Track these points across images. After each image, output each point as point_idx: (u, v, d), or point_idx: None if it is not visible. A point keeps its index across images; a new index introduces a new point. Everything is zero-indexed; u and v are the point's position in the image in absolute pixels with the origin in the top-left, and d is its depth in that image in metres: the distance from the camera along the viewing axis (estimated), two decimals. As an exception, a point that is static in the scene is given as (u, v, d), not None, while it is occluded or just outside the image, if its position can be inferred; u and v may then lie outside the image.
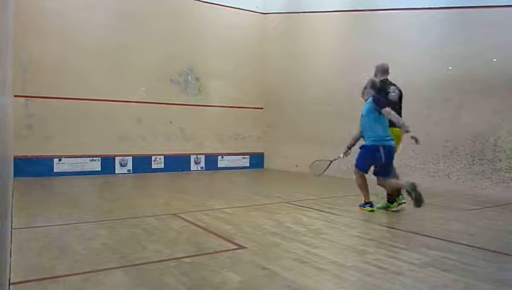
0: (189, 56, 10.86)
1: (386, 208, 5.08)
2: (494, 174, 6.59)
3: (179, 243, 3.51)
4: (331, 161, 5.44)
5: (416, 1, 7.95)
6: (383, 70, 5.27)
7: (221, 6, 11.37)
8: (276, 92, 11.70)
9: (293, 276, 2.68)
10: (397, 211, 5.02)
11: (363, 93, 5.10)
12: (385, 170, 4.84)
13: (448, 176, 7.24)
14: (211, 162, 11.23)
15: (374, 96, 4.87)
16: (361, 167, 4.98)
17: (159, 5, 10.47)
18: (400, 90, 5.20)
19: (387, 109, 4.65)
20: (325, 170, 5.46)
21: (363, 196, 5.07)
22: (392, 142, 4.84)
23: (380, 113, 4.72)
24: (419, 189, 4.42)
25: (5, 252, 2.45)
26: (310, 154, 9.07)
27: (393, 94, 5.10)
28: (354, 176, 5.10)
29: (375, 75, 5.29)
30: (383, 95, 4.98)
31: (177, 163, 10.63)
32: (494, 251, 3.28)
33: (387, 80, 5.24)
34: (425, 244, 3.47)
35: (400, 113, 5.01)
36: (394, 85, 5.20)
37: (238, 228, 4.07)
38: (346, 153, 5.33)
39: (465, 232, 3.92)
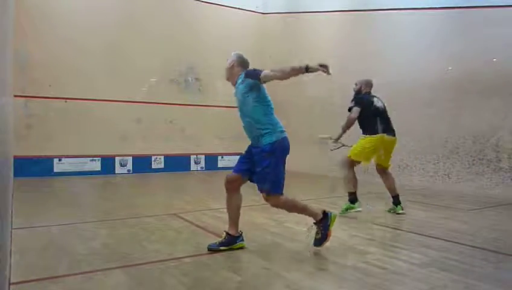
0: (189, 56, 10.84)
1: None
2: (494, 174, 6.59)
3: (179, 243, 3.51)
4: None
5: (416, 1, 7.95)
6: (367, 83, 5.17)
7: (221, 6, 11.36)
8: (276, 92, 11.66)
9: (293, 276, 2.68)
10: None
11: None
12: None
13: (448, 176, 7.24)
14: (211, 162, 11.22)
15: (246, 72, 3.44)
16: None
17: (158, 4, 10.46)
18: (383, 103, 5.09)
19: (266, 71, 3.34)
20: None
21: None
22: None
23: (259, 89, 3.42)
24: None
25: (5, 252, 2.45)
26: (309, 154, 9.08)
27: (379, 104, 5.01)
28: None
29: (360, 88, 5.17)
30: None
31: (177, 163, 10.62)
32: (494, 251, 3.28)
33: (371, 92, 5.15)
34: (425, 245, 3.47)
35: (388, 124, 4.96)
36: (377, 97, 5.11)
37: (238, 228, 4.06)
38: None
39: (465, 232, 3.92)
